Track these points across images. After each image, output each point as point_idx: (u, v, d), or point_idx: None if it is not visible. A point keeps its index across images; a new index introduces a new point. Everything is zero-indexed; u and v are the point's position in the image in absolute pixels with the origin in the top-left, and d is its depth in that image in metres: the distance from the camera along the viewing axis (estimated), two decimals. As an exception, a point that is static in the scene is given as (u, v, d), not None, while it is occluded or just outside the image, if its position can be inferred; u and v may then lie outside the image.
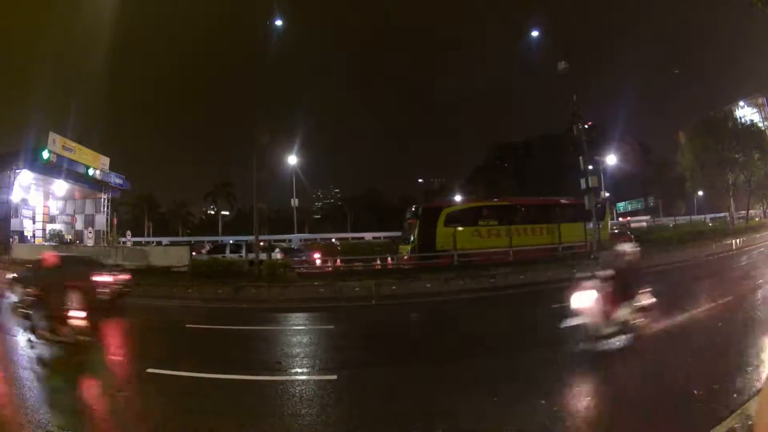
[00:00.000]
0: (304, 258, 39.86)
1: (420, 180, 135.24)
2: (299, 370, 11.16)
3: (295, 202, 69.21)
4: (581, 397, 8.75)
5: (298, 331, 16.89)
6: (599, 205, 39.41)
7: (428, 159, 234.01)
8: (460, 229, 36.28)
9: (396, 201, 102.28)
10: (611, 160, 70.81)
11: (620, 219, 79.77)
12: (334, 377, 10.19)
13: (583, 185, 36.28)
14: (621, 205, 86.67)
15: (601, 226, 37.88)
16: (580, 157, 37.08)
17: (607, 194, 65.60)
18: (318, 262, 37.75)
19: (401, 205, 72.83)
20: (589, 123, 49.62)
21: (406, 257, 36.48)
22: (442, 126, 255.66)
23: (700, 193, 76.52)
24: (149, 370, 10.84)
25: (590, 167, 37.94)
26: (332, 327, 16.96)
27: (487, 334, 15.49)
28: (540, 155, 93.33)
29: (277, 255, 38.97)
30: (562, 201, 44.22)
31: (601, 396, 8.78)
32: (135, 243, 64.10)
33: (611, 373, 10.12)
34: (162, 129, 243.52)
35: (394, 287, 24.17)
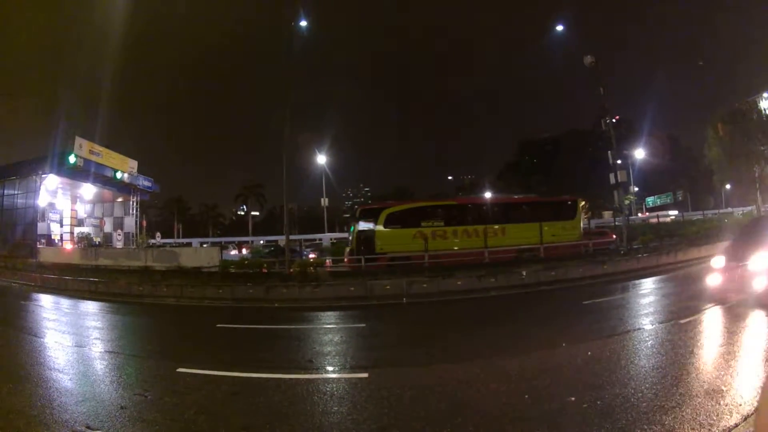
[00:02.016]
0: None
1: (450, 177, 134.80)
2: (330, 369, 11.18)
3: (325, 201, 69.35)
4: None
5: (330, 329, 16.87)
6: (569, 203, 39.09)
7: (459, 156, 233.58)
8: (401, 230, 35.70)
9: (425, 199, 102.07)
10: (639, 154, 70.00)
11: (640, 214, 78.22)
12: (365, 375, 10.12)
13: (612, 180, 35.92)
14: (650, 200, 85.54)
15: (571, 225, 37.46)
16: (609, 152, 36.70)
17: (636, 189, 64.86)
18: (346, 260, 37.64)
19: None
20: (617, 117, 48.99)
21: (345, 260, 36.13)
22: (472, 123, 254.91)
23: (728, 186, 75.38)
24: (179, 370, 10.95)
25: (618, 162, 37.44)
26: (363, 325, 16.91)
27: (512, 328, 15.72)
28: (568, 151, 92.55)
29: (310, 254, 39.11)
30: (517, 200, 43.57)
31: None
32: (165, 244, 64.56)
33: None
34: (191, 132, 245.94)
35: (425, 285, 24.07)
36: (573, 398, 8.07)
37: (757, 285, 13.45)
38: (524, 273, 25.56)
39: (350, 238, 38.17)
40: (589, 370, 9.74)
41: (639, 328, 13.30)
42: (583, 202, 40.49)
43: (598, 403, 7.74)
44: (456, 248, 34.96)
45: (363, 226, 36.33)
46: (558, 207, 39.57)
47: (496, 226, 36.07)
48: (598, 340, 12.20)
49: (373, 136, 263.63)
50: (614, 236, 41.36)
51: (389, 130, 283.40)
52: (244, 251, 49.78)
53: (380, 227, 35.57)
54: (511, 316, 18.28)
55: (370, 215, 37.06)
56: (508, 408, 7.95)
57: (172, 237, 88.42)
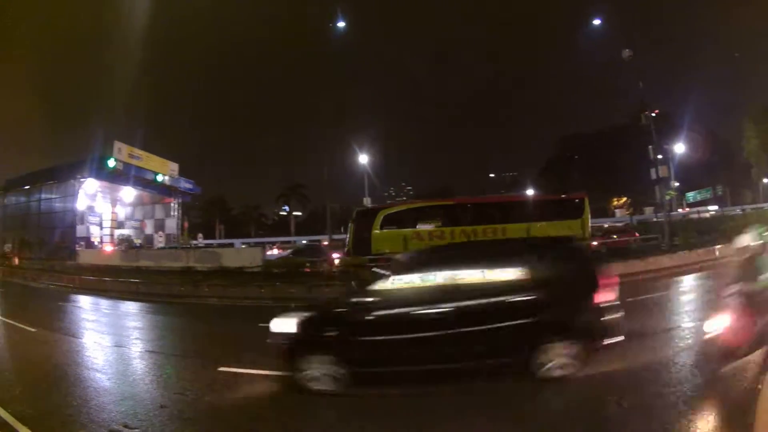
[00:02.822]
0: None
1: (491, 175, 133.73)
2: None
3: (367, 201, 69.12)
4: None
5: None
6: (576, 201, 37.54)
7: (501, 154, 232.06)
8: (397, 231, 34.72)
9: (468, 193, 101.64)
10: (679, 148, 68.64)
11: (680, 210, 76.52)
12: None
13: (653, 176, 35.11)
14: (690, 195, 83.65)
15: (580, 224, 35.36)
16: (650, 147, 35.87)
17: (677, 184, 63.71)
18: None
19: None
20: (656, 111, 48.00)
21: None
22: (514, 119, 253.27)
23: (765, 180, 73.75)
24: (221, 369, 10.88)
25: (659, 157, 36.56)
26: None
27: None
28: (609, 146, 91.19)
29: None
30: (518, 199, 42.91)
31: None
32: (207, 245, 65.14)
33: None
34: (233, 133, 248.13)
35: None
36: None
37: None
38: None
39: (347, 239, 37.91)
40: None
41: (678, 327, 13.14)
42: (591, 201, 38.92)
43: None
44: None
45: (359, 228, 35.76)
46: (563, 205, 38.13)
47: (496, 226, 34.68)
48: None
49: (415, 135, 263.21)
50: (637, 234, 40.45)
51: (431, 129, 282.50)
52: (278, 251, 49.77)
53: (376, 228, 34.88)
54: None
55: (367, 217, 36.52)
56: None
57: (213, 238, 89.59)
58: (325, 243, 44.14)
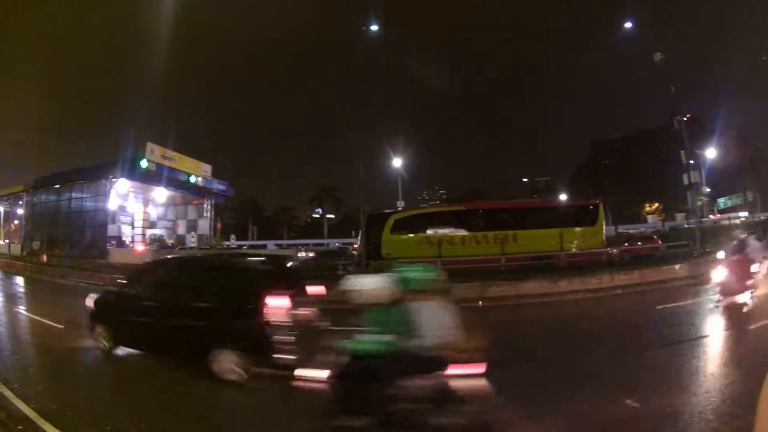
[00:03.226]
0: None
1: (524, 179, 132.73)
2: None
3: (401, 204, 68.97)
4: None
5: None
6: (590, 207, 36.94)
7: (535, 158, 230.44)
8: (407, 236, 35.04)
9: (501, 198, 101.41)
10: (710, 154, 67.57)
11: (711, 216, 75.08)
12: None
13: (685, 181, 34.56)
14: (721, 201, 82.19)
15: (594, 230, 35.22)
16: (682, 152, 35.30)
17: (708, 190, 62.83)
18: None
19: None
20: (687, 116, 47.22)
21: (353, 266, 35.48)
22: (547, 124, 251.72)
23: None
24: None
25: (691, 162, 35.96)
26: None
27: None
28: (640, 151, 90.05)
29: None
30: (531, 205, 41.79)
31: None
32: (239, 246, 65.48)
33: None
34: (267, 136, 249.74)
35: (501, 288, 23.34)
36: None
37: None
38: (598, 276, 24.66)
39: (358, 243, 38.56)
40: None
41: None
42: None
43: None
44: (465, 255, 32.88)
45: (370, 231, 36.29)
46: (578, 212, 37.72)
47: (507, 233, 34.57)
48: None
49: (450, 140, 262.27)
50: (659, 242, 39.93)
51: (465, 133, 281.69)
52: (304, 253, 49.69)
53: (387, 233, 35.14)
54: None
55: (378, 221, 36.72)
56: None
57: (246, 239, 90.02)
58: (356, 246, 44.01)
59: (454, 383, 6.65)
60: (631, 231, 63.40)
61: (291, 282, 11.44)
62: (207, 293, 10.97)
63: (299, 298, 10.89)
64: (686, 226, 48.00)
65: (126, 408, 8.31)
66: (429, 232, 35.31)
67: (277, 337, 9.86)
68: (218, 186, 64.06)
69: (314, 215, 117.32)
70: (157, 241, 58.92)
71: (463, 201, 74.96)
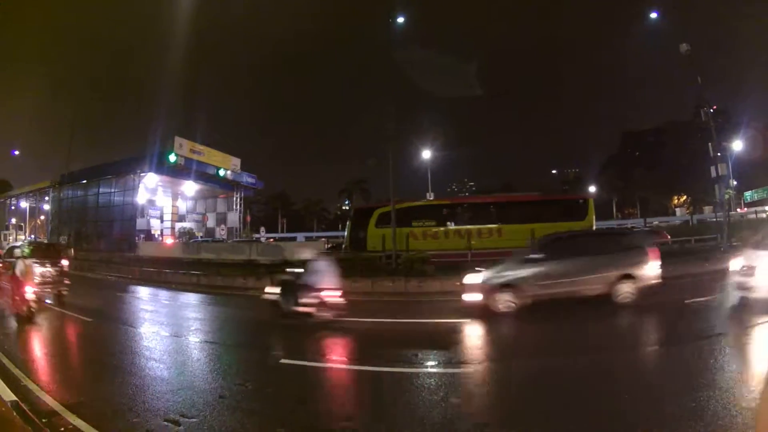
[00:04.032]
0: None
1: (554, 171, 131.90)
2: (435, 363, 10.87)
3: (430, 196, 68.71)
4: None
5: (434, 324, 16.22)
6: (580, 202, 37.13)
7: (565, 150, 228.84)
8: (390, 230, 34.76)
9: (531, 192, 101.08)
10: (737, 146, 66.47)
11: (738, 210, 73.80)
12: (471, 370, 9.88)
13: (713, 173, 34.00)
14: (748, 194, 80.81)
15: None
16: (709, 144, 34.73)
17: (735, 183, 61.93)
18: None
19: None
20: (714, 107, 46.40)
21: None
22: (578, 115, 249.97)
23: None
24: (283, 361, 10.83)
25: (718, 154, 35.39)
26: (468, 320, 15.95)
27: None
28: (669, 143, 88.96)
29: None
30: (517, 199, 40.81)
31: None
32: (269, 238, 65.88)
33: None
34: (297, 129, 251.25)
35: (393, 284, 23.53)
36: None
37: None
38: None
39: (345, 236, 39.60)
40: None
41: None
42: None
43: None
44: (448, 249, 33.46)
45: (356, 225, 37.50)
46: (566, 206, 37.79)
47: (492, 227, 34.82)
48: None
49: (477, 131, 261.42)
50: (669, 237, 39.68)
51: (494, 125, 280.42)
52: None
53: (372, 226, 35.93)
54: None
55: (364, 215, 37.78)
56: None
57: (276, 231, 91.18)
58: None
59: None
60: (659, 223, 62.82)
61: None
62: None
63: None
64: (714, 219, 47.53)
65: (148, 403, 8.11)
66: (415, 225, 35.85)
67: None
68: (248, 179, 64.56)
69: (344, 208, 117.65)
70: (187, 233, 59.78)
71: (492, 193, 74.96)
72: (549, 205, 38.62)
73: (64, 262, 22.44)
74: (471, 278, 16.59)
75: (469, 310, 15.92)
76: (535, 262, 16.45)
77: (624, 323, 14.52)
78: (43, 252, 22.68)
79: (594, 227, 35.54)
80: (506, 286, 16.10)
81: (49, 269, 20.62)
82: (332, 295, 15.06)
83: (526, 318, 15.03)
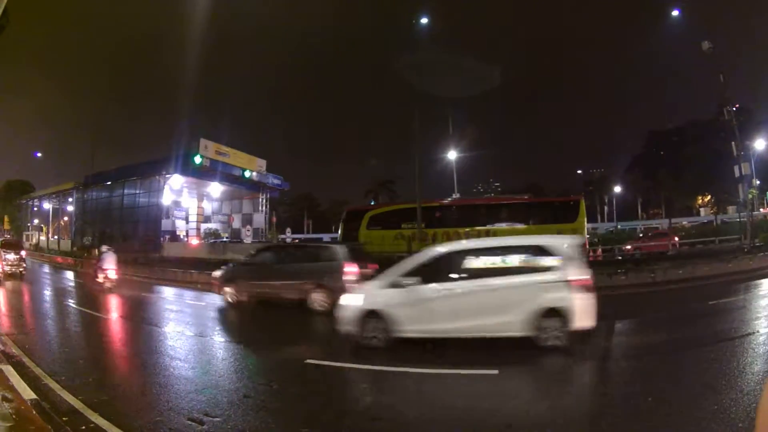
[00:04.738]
0: None
1: (579, 171, 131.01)
2: (456, 363, 10.49)
3: (456, 196, 68.58)
4: None
5: None
6: (570, 203, 36.87)
7: (590, 149, 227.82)
8: (382, 231, 36.77)
9: (556, 193, 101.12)
10: (760, 145, 65.60)
11: (762, 209, 72.89)
12: (495, 372, 9.67)
13: (736, 173, 33.67)
14: None
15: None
16: (732, 143, 34.34)
17: (758, 182, 61.36)
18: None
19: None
20: (736, 105, 45.81)
21: None
22: (603, 114, 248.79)
23: None
24: (308, 361, 10.71)
25: (742, 153, 35.03)
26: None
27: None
28: (692, 142, 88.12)
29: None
30: (507, 200, 41.53)
31: None
32: (295, 239, 66.39)
33: None
34: (319, 130, 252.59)
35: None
36: None
37: None
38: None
39: (338, 237, 41.03)
40: None
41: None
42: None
43: None
44: None
45: (348, 226, 38.96)
46: (557, 208, 38.05)
47: (480, 229, 35.11)
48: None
49: (503, 131, 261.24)
50: (676, 239, 39.25)
51: (519, 125, 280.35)
52: None
53: (363, 228, 37.47)
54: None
55: (355, 217, 39.38)
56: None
57: (301, 233, 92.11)
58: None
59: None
60: (686, 224, 62.45)
61: None
62: None
63: None
64: (738, 219, 47.14)
65: (172, 402, 8.04)
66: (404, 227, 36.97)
67: None
68: (273, 180, 64.60)
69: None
70: (212, 234, 60.23)
71: (517, 193, 74.99)
72: (540, 207, 39.41)
73: (23, 253, 34.17)
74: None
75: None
76: (247, 265, 21.10)
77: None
78: (9, 245, 35.40)
79: (585, 228, 35.89)
80: (229, 281, 20.25)
81: (13, 256, 32.03)
82: None
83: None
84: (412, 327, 11.23)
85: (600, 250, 39.64)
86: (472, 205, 40.22)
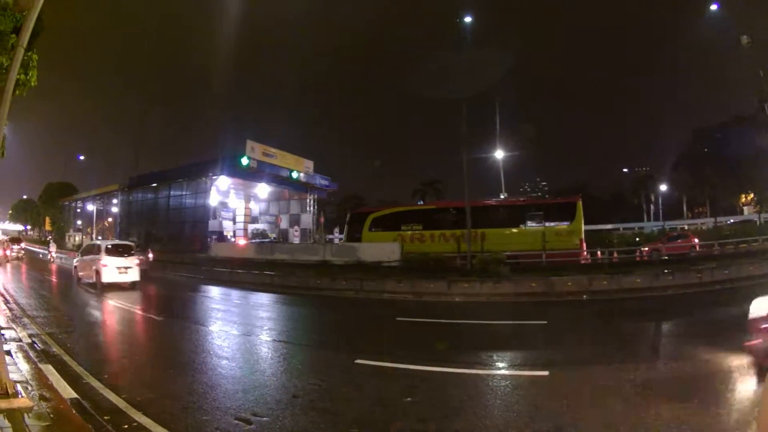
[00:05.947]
0: None
1: (625, 170, 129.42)
2: (509, 365, 10.88)
3: (504, 196, 68.27)
4: None
5: (510, 325, 16.12)
6: (567, 205, 36.74)
7: (637, 147, 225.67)
8: (383, 233, 37.74)
9: (603, 192, 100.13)
10: None
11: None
12: (546, 373, 9.70)
13: None
14: None
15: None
16: None
17: None
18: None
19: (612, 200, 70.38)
20: None
21: None
22: (653, 112, 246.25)
23: None
24: (357, 361, 10.59)
25: None
26: (545, 322, 15.61)
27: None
28: (734, 139, 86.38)
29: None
30: (502, 203, 42.16)
31: None
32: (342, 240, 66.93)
33: None
34: (372, 132, 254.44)
35: (605, 282, 22.93)
36: None
37: None
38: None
39: (343, 238, 42.58)
40: None
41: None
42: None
43: None
44: (431, 252, 34.30)
45: (352, 228, 40.18)
46: (553, 210, 37.84)
47: (476, 231, 33.83)
48: None
49: (553, 132, 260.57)
50: (696, 240, 38.61)
51: (569, 126, 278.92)
52: None
53: (366, 230, 38.73)
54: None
55: (359, 219, 40.52)
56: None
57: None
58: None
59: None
60: (730, 222, 61.38)
61: None
62: None
63: None
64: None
65: (219, 401, 8.00)
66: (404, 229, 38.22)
67: None
68: (321, 181, 65.42)
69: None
70: (260, 235, 60.83)
71: (562, 192, 74.56)
72: (538, 208, 38.97)
73: (23, 245, 44.25)
74: None
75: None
76: None
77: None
78: (14, 240, 43.96)
79: (582, 230, 35.48)
80: None
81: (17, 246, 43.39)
82: None
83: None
84: None
85: (615, 252, 38.97)
86: (468, 208, 40.28)
